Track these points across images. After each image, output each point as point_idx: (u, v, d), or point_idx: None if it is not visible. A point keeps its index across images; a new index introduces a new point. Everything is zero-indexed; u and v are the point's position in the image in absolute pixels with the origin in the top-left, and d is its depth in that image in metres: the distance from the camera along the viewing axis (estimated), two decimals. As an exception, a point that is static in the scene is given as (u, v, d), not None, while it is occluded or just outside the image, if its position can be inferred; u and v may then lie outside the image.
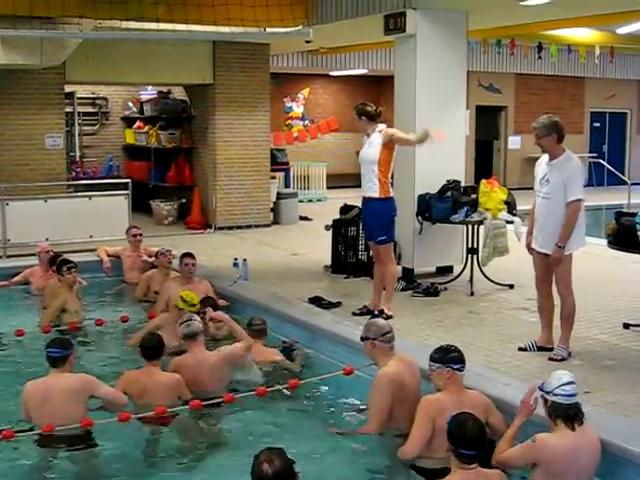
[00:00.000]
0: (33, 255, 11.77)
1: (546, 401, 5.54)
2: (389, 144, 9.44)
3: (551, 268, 8.20)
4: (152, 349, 7.40)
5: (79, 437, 6.61)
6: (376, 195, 9.52)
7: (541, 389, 5.62)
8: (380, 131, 9.50)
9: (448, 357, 6.23)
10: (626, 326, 9.17)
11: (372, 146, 9.49)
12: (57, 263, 10.31)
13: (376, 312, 9.45)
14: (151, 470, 6.50)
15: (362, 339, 7.01)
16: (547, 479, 5.34)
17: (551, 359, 7.99)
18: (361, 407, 6.95)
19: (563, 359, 7.99)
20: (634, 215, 8.74)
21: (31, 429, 6.61)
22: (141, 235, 12.32)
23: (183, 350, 7.99)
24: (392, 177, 9.71)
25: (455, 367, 6.18)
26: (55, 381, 6.75)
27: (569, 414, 5.41)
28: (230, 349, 7.91)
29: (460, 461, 5.08)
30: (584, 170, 8.03)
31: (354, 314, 9.49)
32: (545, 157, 8.16)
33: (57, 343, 7.02)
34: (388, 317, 9.24)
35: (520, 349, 8.34)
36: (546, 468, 5.31)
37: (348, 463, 6.37)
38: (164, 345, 7.54)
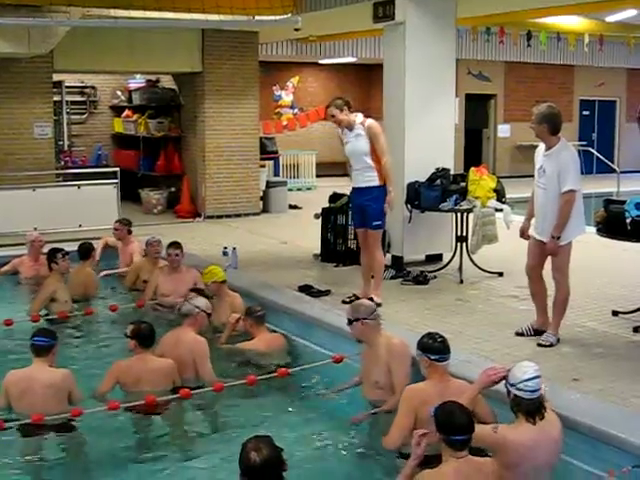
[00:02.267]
0: (22, 245, 11.74)
1: (509, 393, 5.51)
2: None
3: (544, 256, 8.25)
4: (150, 338, 7.43)
5: (64, 426, 6.63)
6: (376, 183, 9.52)
7: (506, 380, 5.60)
8: (362, 123, 9.48)
9: (428, 346, 6.22)
10: (615, 313, 9.18)
11: (360, 138, 9.46)
12: (49, 252, 10.28)
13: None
14: (140, 458, 6.50)
15: (351, 322, 7.09)
16: (504, 470, 5.31)
17: (540, 345, 8.01)
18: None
19: (551, 345, 8.01)
20: (623, 203, 8.76)
21: (18, 419, 6.60)
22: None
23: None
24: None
25: (432, 357, 6.16)
26: (38, 374, 6.75)
27: (530, 409, 5.38)
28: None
29: (453, 449, 5.05)
30: (579, 160, 8.04)
31: (344, 302, 9.48)
32: (542, 146, 8.17)
33: (43, 333, 7.03)
34: (377, 305, 9.25)
35: (517, 334, 8.39)
36: (502, 459, 5.30)
37: (336, 450, 6.40)
38: (155, 333, 7.56)
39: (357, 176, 9.67)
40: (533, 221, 8.40)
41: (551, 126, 7.95)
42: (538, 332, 8.33)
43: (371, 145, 9.44)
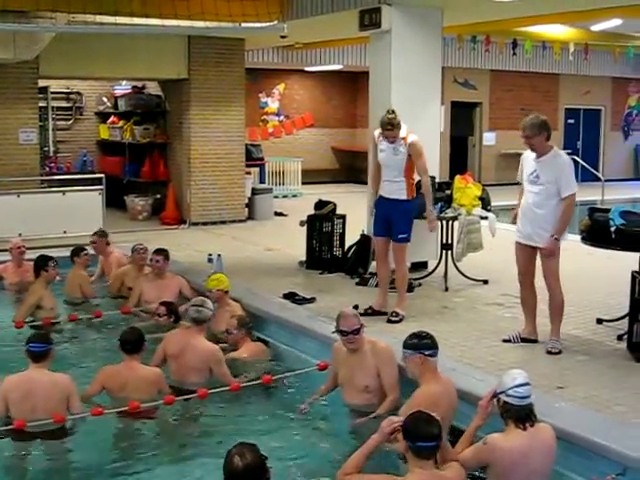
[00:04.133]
0: (5, 251, 11.68)
1: (499, 400, 5.50)
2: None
3: (534, 261, 8.33)
4: (132, 343, 7.42)
5: (54, 432, 6.62)
6: (404, 197, 9.43)
7: (495, 390, 5.59)
8: (404, 139, 9.33)
9: (420, 343, 6.32)
10: (599, 321, 9.22)
11: (398, 153, 9.35)
12: (38, 260, 10.22)
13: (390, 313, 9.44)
14: (126, 464, 6.47)
15: (358, 331, 7.10)
16: (498, 479, 5.33)
17: (549, 352, 8.06)
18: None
19: (560, 352, 8.07)
20: (607, 211, 8.78)
21: (6, 424, 6.59)
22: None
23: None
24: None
25: (427, 353, 6.27)
26: (39, 377, 6.74)
27: (520, 415, 5.38)
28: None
29: (419, 457, 4.98)
30: (571, 163, 8.12)
31: (360, 314, 9.07)
32: (531, 152, 8.21)
33: (38, 338, 7.03)
34: (402, 318, 9.29)
35: (504, 340, 8.43)
36: (496, 468, 5.30)
37: (320, 456, 6.40)
38: (144, 339, 7.56)
39: (386, 186, 9.58)
40: (516, 227, 8.46)
41: (548, 133, 8.07)
42: (526, 340, 8.36)
43: (408, 162, 9.35)
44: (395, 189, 9.48)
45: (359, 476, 5.25)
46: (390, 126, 9.27)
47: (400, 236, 9.50)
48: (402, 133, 9.37)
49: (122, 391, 7.24)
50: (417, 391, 6.28)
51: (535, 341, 8.38)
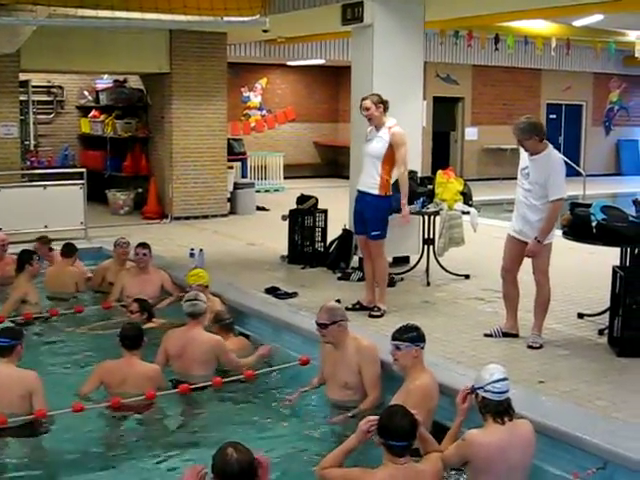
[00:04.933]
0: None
1: (477, 396, 5.52)
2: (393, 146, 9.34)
3: (521, 257, 8.31)
4: (131, 339, 7.39)
5: (29, 427, 6.62)
6: (375, 192, 9.34)
7: (473, 385, 5.60)
8: (390, 128, 9.30)
9: (416, 336, 6.42)
10: (580, 316, 9.25)
11: (380, 142, 9.30)
12: (23, 254, 10.18)
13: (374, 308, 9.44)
14: (113, 458, 6.50)
15: (327, 325, 7.11)
16: (478, 475, 5.34)
17: (530, 347, 8.08)
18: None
19: (541, 346, 8.10)
20: (589, 206, 8.80)
21: None
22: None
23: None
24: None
25: (422, 345, 6.42)
26: (3, 371, 6.72)
27: (499, 410, 5.39)
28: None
29: (391, 454, 5.00)
30: (564, 166, 8.11)
31: (347, 309, 8.84)
32: None
33: (5, 332, 7.00)
34: (383, 313, 9.29)
35: (486, 335, 8.45)
36: (475, 463, 5.31)
37: (302, 451, 6.40)
38: (143, 335, 7.54)
39: (363, 177, 9.55)
40: (511, 221, 8.50)
41: (539, 135, 8.01)
42: (507, 335, 8.38)
43: (388, 153, 9.28)
44: (368, 181, 9.42)
45: (336, 470, 5.28)
46: (365, 109, 9.33)
47: (373, 233, 9.47)
48: (389, 123, 9.35)
49: (121, 387, 7.20)
50: (411, 384, 6.29)
51: (516, 335, 8.41)
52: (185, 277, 9.77)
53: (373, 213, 9.38)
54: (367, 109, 9.33)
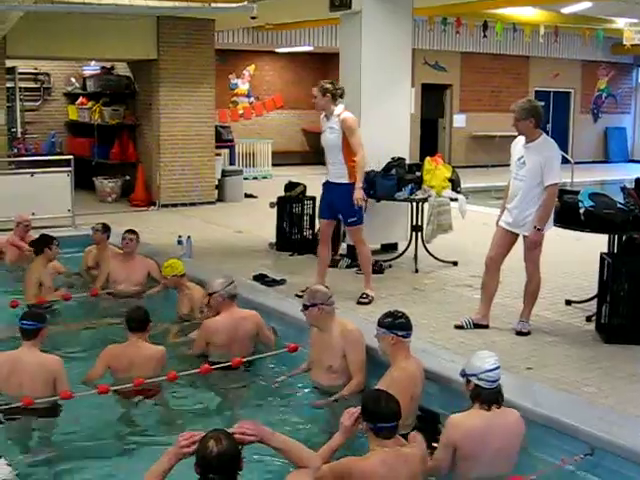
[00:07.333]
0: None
1: (468, 382, 5.51)
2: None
3: (509, 248, 8.32)
4: (137, 321, 7.34)
5: (52, 409, 6.65)
6: (345, 180, 9.31)
7: (464, 371, 5.57)
8: (338, 115, 9.23)
9: (394, 323, 6.36)
10: (568, 303, 9.28)
11: (334, 132, 9.27)
12: (41, 239, 10.17)
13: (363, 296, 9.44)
14: (126, 441, 6.50)
15: (307, 307, 7.15)
16: (462, 462, 5.31)
17: (518, 333, 8.11)
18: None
19: (529, 332, 8.11)
20: (577, 193, 8.81)
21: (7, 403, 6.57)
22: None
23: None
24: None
25: (400, 334, 6.31)
26: (26, 355, 6.74)
27: (490, 398, 5.39)
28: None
29: (381, 437, 4.96)
30: (559, 152, 8.11)
31: (297, 295, 9.16)
32: (521, 138, 8.19)
33: (31, 315, 7.02)
34: (371, 300, 9.31)
35: (457, 327, 8.37)
36: (459, 450, 5.29)
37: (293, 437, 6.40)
38: (150, 318, 7.48)
39: (330, 169, 9.53)
40: (499, 209, 8.48)
41: (537, 120, 8.01)
42: (477, 326, 8.34)
43: (344, 140, 9.24)
44: (337, 173, 9.41)
45: (324, 466, 5.21)
46: (313, 97, 9.30)
47: (350, 220, 9.47)
48: (337, 110, 9.28)
49: (128, 370, 7.14)
50: (395, 371, 6.28)
51: (486, 327, 8.34)
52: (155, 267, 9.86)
53: (347, 201, 9.29)
54: (314, 97, 9.32)
